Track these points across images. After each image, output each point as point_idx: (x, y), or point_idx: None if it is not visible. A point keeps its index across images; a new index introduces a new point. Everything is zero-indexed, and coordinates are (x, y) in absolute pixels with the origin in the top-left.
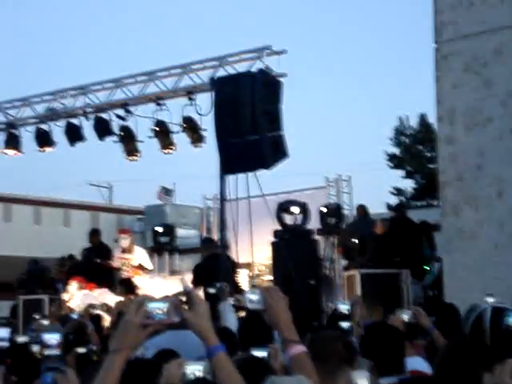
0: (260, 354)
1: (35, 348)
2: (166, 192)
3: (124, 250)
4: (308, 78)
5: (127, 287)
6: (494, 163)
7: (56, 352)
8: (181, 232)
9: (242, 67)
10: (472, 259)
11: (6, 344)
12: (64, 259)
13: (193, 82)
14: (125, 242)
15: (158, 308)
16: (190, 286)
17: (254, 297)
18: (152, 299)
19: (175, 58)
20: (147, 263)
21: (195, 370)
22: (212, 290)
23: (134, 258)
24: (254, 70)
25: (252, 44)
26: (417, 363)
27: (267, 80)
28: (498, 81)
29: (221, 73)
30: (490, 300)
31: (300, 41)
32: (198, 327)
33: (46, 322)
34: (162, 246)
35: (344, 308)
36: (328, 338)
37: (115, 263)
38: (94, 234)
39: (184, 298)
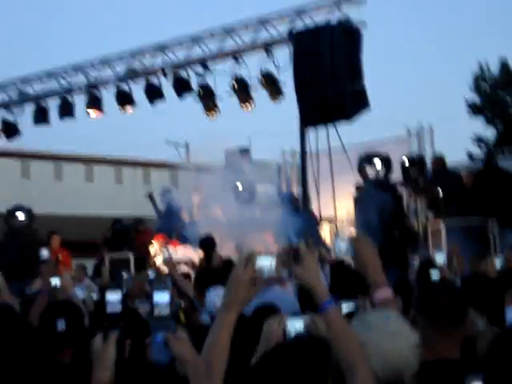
0: (348, 306)
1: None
2: (243, 151)
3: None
4: (387, 28)
5: (204, 247)
6: None
7: (166, 311)
8: (259, 187)
9: (320, 18)
10: None
11: (119, 307)
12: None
13: (270, 35)
14: (197, 198)
15: (267, 263)
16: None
17: (343, 245)
18: (260, 254)
19: (251, 10)
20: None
21: (296, 325)
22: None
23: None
24: (332, 20)
25: None
26: None
27: (346, 31)
28: None
29: (298, 24)
30: None
31: None
32: (307, 282)
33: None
34: (241, 201)
35: (440, 258)
36: (438, 296)
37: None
38: None
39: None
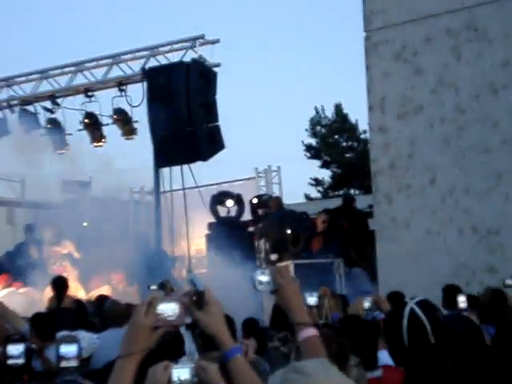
0: None
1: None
2: (80, 184)
3: (50, 243)
4: (238, 68)
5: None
6: (425, 151)
7: (73, 364)
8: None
9: (174, 57)
10: (405, 247)
11: (21, 361)
12: None
13: (123, 72)
14: (48, 234)
15: (169, 309)
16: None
17: (264, 278)
18: (162, 300)
19: (104, 48)
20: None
21: (182, 373)
22: (153, 287)
23: (62, 249)
24: (186, 59)
25: (184, 34)
26: (385, 357)
27: (201, 70)
28: (428, 69)
29: (152, 63)
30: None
31: (231, 30)
32: (211, 329)
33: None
34: (88, 240)
35: (312, 300)
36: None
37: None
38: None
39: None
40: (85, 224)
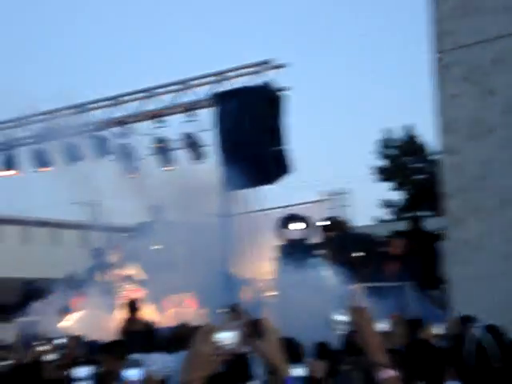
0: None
1: None
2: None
3: (116, 266)
4: (309, 91)
5: (129, 309)
6: (497, 173)
7: None
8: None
9: (243, 82)
10: (477, 270)
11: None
12: None
13: (192, 97)
14: (114, 257)
15: (228, 337)
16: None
17: (342, 318)
18: (221, 328)
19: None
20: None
21: None
22: (222, 310)
23: (127, 272)
24: (254, 84)
25: (252, 59)
26: None
27: (269, 94)
28: (499, 90)
29: (221, 88)
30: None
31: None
32: (269, 357)
33: None
34: (159, 263)
35: (383, 326)
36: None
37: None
38: None
39: (252, 326)
40: (157, 247)
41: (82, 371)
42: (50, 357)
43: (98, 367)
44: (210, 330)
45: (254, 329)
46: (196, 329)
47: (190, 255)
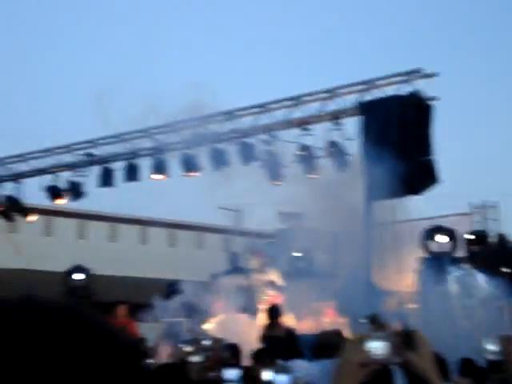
0: None
1: None
2: (294, 216)
3: (257, 271)
4: (455, 101)
5: (271, 315)
6: None
7: None
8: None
9: (390, 91)
10: None
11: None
12: None
13: (339, 106)
14: (255, 262)
15: (379, 347)
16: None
17: (493, 347)
18: (372, 337)
19: (320, 82)
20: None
21: None
22: (363, 320)
23: (268, 278)
24: (402, 93)
25: (400, 68)
26: None
27: (417, 103)
28: None
29: (368, 97)
30: None
31: (453, 64)
32: (421, 370)
33: None
34: (299, 270)
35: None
36: None
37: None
38: None
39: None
40: (297, 254)
41: (231, 373)
42: (196, 358)
43: (244, 370)
44: (361, 338)
45: (406, 340)
46: (339, 337)
47: (331, 263)
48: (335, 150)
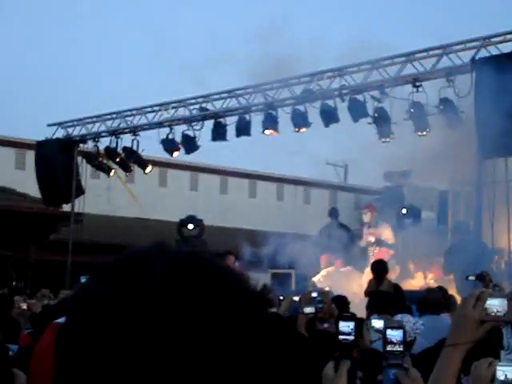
0: None
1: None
2: (400, 174)
3: (369, 225)
4: None
5: (376, 270)
6: None
7: (399, 348)
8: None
9: (505, 49)
10: None
11: (352, 337)
12: None
13: (452, 63)
14: (368, 216)
15: (498, 304)
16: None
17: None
18: (491, 294)
19: (434, 38)
20: (391, 238)
21: (509, 372)
22: (472, 278)
23: (380, 233)
24: None
25: None
26: None
27: None
28: None
29: (483, 54)
30: None
31: None
32: None
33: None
34: (406, 227)
35: None
36: None
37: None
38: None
39: None
40: (403, 211)
41: (347, 325)
42: (308, 309)
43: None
44: (481, 295)
45: None
46: (445, 294)
47: (439, 221)
48: (447, 108)
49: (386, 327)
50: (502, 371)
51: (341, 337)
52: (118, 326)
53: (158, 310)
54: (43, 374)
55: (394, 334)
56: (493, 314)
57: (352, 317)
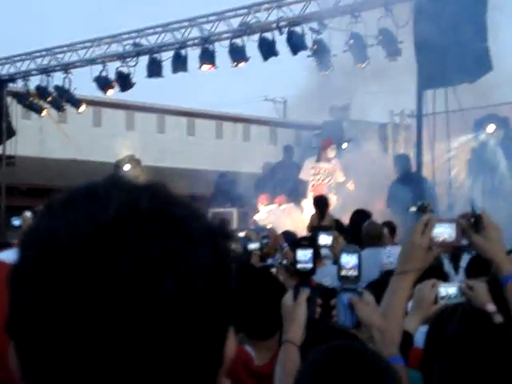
0: None
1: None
2: (342, 108)
3: (319, 160)
4: None
5: (319, 205)
6: None
7: (353, 273)
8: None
9: None
10: None
11: (310, 265)
12: None
13: None
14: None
15: (445, 230)
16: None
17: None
18: (439, 221)
19: None
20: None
21: (449, 290)
22: (413, 209)
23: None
24: None
25: None
26: None
27: None
28: None
29: None
30: None
31: None
32: (488, 253)
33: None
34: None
35: None
36: None
37: (305, 174)
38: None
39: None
40: (344, 146)
41: (303, 254)
42: (254, 245)
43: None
44: (428, 222)
45: (473, 223)
46: (385, 224)
47: (377, 154)
48: (386, 38)
49: (341, 251)
50: (444, 288)
51: (299, 265)
52: (71, 263)
53: (112, 245)
54: None
55: (349, 259)
56: (441, 240)
57: (310, 245)
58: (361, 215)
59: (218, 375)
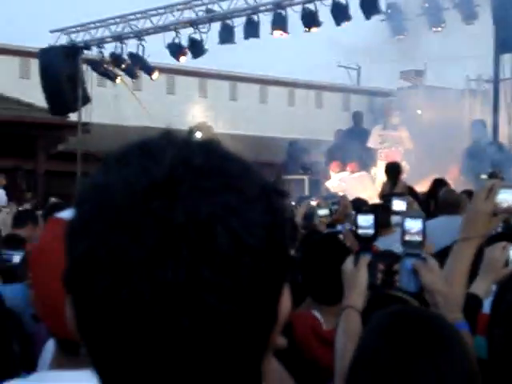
0: None
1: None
2: (416, 73)
3: (385, 127)
4: None
5: (391, 172)
6: None
7: (417, 238)
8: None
9: None
10: None
11: (372, 230)
12: None
13: None
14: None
15: (510, 196)
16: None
17: None
18: (504, 186)
19: None
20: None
21: None
22: (484, 176)
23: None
24: None
25: None
26: None
27: None
28: None
29: None
30: None
31: None
32: None
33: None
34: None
35: None
36: None
37: (372, 141)
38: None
39: None
40: (419, 112)
41: (364, 219)
42: (324, 212)
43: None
44: (493, 187)
45: None
46: (460, 195)
47: (453, 121)
48: (463, 1)
49: (404, 217)
50: None
51: (360, 231)
52: (125, 217)
53: (165, 200)
54: (45, 271)
55: (413, 224)
56: (506, 206)
57: (371, 210)
58: (439, 183)
59: (273, 332)
